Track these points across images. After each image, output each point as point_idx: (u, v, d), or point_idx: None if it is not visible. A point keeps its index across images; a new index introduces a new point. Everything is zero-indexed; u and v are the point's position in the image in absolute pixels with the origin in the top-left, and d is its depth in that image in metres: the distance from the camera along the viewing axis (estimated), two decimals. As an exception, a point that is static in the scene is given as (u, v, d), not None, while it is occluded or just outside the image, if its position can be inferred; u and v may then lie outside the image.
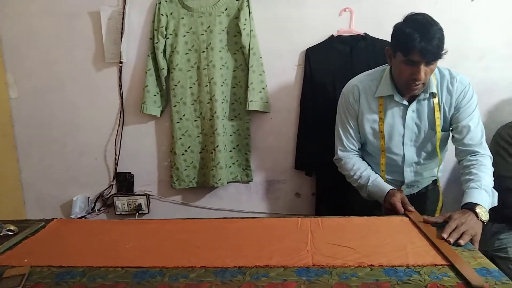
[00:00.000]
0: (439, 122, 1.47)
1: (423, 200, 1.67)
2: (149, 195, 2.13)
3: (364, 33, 1.92)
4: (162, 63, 1.94)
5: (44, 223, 1.39)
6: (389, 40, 1.88)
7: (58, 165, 2.17)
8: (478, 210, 1.20)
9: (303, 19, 1.93)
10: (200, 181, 2.05)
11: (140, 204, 2.11)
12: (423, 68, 1.30)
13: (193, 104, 1.98)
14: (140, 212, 2.11)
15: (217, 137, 1.93)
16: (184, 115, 1.98)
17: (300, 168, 2.03)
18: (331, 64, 1.91)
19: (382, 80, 1.49)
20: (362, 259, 1.02)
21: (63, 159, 2.16)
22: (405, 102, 1.47)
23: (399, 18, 1.88)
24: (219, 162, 1.94)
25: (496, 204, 1.33)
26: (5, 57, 2.07)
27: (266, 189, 2.11)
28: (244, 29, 1.88)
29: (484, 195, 1.28)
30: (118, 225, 1.39)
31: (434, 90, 1.43)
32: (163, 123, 2.07)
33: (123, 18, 1.94)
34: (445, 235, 1.10)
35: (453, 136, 1.50)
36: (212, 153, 1.95)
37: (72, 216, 2.13)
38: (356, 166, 1.57)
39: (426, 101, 1.47)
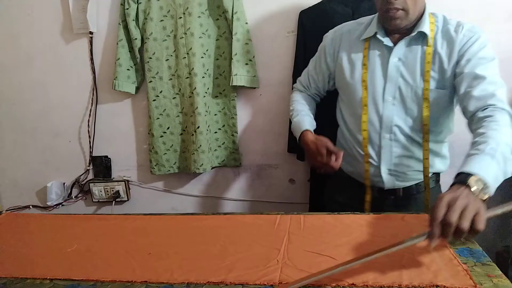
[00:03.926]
0: (429, 76, 1.15)
1: (418, 204, 1.27)
2: (128, 181, 1.94)
3: (368, -8, 1.63)
4: (135, 32, 1.69)
5: None
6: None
7: (32, 148, 2.00)
8: (472, 183, 0.81)
9: (295, -24, 1.64)
10: (182, 166, 1.83)
11: (118, 191, 1.92)
12: None
13: (171, 79, 1.74)
14: (118, 199, 1.93)
15: (198, 117, 1.70)
16: (161, 91, 1.74)
17: (294, 151, 1.78)
18: (329, 29, 1.63)
19: (371, 22, 1.23)
20: (343, 275, 0.80)
21: (36, 141, 1.98)
22: (389, 43, 1.18)
23: None
24: (200, 145, 1.71)
25: (510, 175, 0.91)
26: (-34, 29, 1.87)
27: (256, 174, 1.87)
28: (225, -11, 1.61)
29: (486, 160, 0.87)
30: (73, 222, 1.23)
31: (424, 30, 1.14)
32: (140, 101, 1.84)
33: (89, -19, 1.70)
34: (430, 241, 0.77)
35: (458, 93, 1.12)
36: (193, 135, 1.72)
37: (48, 203, 1.98)
38: (295, 99, 1.41)
39: (418, 49, 1.16)
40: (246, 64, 1.68)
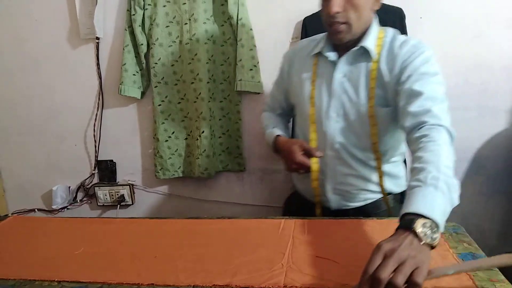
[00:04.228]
0: (373, 93, 1.11)
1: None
2: (132, 185, 1.95)
3: (372, -2, 1.65)
4: (141, 38, 1.72)
5: None
6: (401, 7, 1.64)
7: (38, 151, 2.02)
8: (418, 227, 0.70)
9: (299, -17, 1.67)
10: (186, 170, 1.85)
11: (123, 195, 1.93)
12: None
13: (176, 84, 1.76)
14: (123, 203, 1.94)
15: (203, 122, 1.71)
16: (166, 96, 1.77)
17: (298, 155, 1.79)
18: (333, 36, 1.65)
19: (324, 38, 1.20)
20: (346, 279, 0.81)
21: (42, 145, 2.01)
22: (333, 57, 1.16)
23: None
24: (205, 150, 1.73)
25: (457, 202, 0.82)
26: (-25, 34, 1.90)
27: (260, 179, 1.89)
28: (231, -4, 1.63)
29: (430, 194, 0.77)
30: (77, 225, 1.24)
31: (367, 44, 1.11)
32: (145, 105, 1.87)
33: (97, -12, 1.73)
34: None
35: (397, 110, 1.07)
36: (197, 139, 1.74)
37: (54, 207, 2.00)
38: (265, 117, 1.42)
39: (363, 65, 1.13)
40: (251, 69, 1.70)
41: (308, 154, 1.14)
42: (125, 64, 1.75)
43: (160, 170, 1.84)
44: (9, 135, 2.02)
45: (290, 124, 1.51)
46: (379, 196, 1.24)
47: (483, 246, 0.92)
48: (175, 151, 1.82)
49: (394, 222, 1.06)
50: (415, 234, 0.70)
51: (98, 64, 1.85)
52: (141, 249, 1.02)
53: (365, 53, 1.13)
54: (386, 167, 1.21)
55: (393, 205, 1.25)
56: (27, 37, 1.88)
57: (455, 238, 0.95)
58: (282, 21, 1.70)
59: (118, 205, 1.93)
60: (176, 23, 1.70)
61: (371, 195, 1.23)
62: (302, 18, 1.67)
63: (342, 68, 1.15)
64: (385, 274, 0.64)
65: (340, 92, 1.15)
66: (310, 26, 1.67)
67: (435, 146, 0.89)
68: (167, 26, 1.71)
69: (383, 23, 1.63)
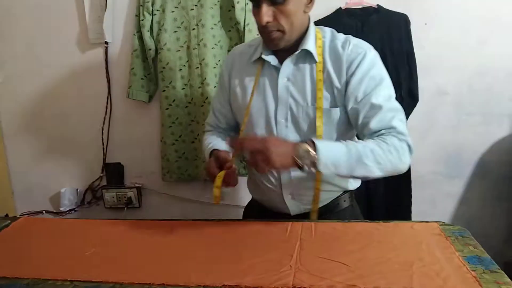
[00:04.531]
0: (321, 94, 1.10)
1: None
2: (140, 187, 1.98)
3: (377, 4, 1.68)
4: (149, 43, 1.75)
5: (9, 221, 1.29)
6: (406, 13, 1.66)
7: (46, 154, 2.05)
8: (302, 147, 0.93)
9: (305, -11, 1.69)
10: (193, 173, 1.87)
11: (130, 197, 1.96)
12: (265, 7, 1.02)
13: (184, 88, 1.79)
14: (130, 206, 1.96)
15: (210, 125, 1.74)
16: (174, 100, 1.79)
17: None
18: (339, 41, 1.68)
19: (261, 44, 1.16)
20: (355, 280, 0.82)
21: (51, 148, 2.04)
22: (275, 62, 1.13)
23: None
24: (211, 153, 1.75)
25: (356, 174, 1.00)
26: (-14, 38, 1.93)
27: (266, 182, 1.91)
28: (238, 2, 1.66)
29: (338, 147, 0.98)
30: (87, 226, 1.26)
31: (308, 47, 1.09)
32: (153, 109, 1.89)
33: (106, -7, 1.76)
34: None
35: (355, 120, 1.11)
36: (204, 143, 1.77)
37: (61, 209, 2.02)
38: (204, 138, 1.31)
39: (306, 67, 1.12)
40: (257, 74, 1.72)
41: (222, 165, 1.09)
42: (133, 68, 1.78)
43: (167, 173, 1.86)
44: (18, 137, 2.05)
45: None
46: (335, 195, 1.24)
47: (487, 250, 0.94)
48: (182, 154, 1.85)
49: (400, 225, 1.09)
50: (297, 149, 0.93)
51: (106, 68, 1.88)
52: (151, 250, 1.04)
53: (307, 55, 1.12)
54: None
55: (350, 203, 1.27)
56: (37, 42, 1.92)
57: (461, 241, 0.96)
58: (289, 27, 1.72)
59: (126, 208, 1.95)
60: (184, 29, 1.73)
61: (327, 195, 1.22)
62: (308, 24, 1.70)
63: (285, 72, 1.13)
64: (249, 146, 0.93)
65: (286, 96, 1.14)
66: (316, 31, 1.70)
67: (379, 140, 1.02)
68: (175, 31, 1.74)
69: (388, 29, 1.67)
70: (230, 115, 1.28)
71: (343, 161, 0.97)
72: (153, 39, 1.76)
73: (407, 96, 1.71)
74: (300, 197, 1.20)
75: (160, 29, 1.73)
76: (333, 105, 1.12)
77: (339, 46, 1.11)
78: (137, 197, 1.97)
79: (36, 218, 1.38)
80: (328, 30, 1.17)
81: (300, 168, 0.95)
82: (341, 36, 1.14)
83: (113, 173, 1.97)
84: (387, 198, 1.79)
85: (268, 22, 1.04)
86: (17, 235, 1.19)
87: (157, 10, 1.72)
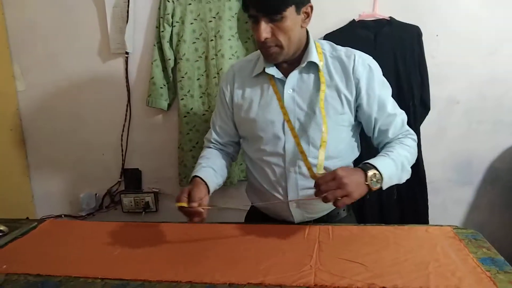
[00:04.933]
0: (323, 96, 1.14)
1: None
2: (157, 192, 2.03)
3: (390, 17, 1.73)
4: (169, 53, 1.81)
5: (36, 223, 1.34)
6: (419, 25, 1.71)
7: (66, 160, 2.11)
8: (370, 172, 1.00)
9: (320, 2, 1.72)
10: (209, 179, 1.92)
11: (148, 202, 2.01)
12: (263, 24, 1.06)
13: (201, 97, 1.85)
14: (147, 210, 2.02)
15: (226, 133, 1.80)
16: (191, 108, 1.85)
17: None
18: (353, 52, 1.73)
19: (259, 58, 1.21)
20: (374, 280, 0.87)
21: (70, 154, 2.10)
22: (280, 75, 1.17)
23: (429, 0, 1.72)
24: (228, 159, 1.81)
25: (403, 181, 1.12)
26: (11, 49, 2.01)
27: (280, 188, 1.95)
28: (254, 14, 1.72)
29: (388, 162, 1.07)
30: (111, 228, 1.30)
31: (313, 59, 1.14)
32: (171, 117, 1.95)
33: (128, 5, 1.83)
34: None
35: (372, 129, 1.20)
36: (221, 149, 1.82)
37: (80, 213, 2.08)
38: (201, 155, 1.31)
39: (310, 77, 1.16)
40: (273, 83, 1.78)
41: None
42: (153, 77, 1.84)
43: (184, 178, 1.91)
44: (40, 144, 2.12)
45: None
46: None
47: (502, 253, 0.97)
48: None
49: (414, 229, 1.12)
50: (365, 175, 1.00)
51: (126, 77, 1.95)
52: (175, 251, 1.08)
53: (311, 66, 1.16)
54: None
55: (348, 212, 1.33)
56: (59, 52, 1.99)
57: (475, 244, 1.00)
58: (304, 38, 1.78)
59: (143, 212, 2.00)
60: (202, 40, 1.80)
61: (330, 205, 1.22)
62: (323, 35, 1.76)
63: (291, 83, 1.17)
64: (325, 188, 0.96)
65: (293, 107, 1.17)
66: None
67: (403, 145, 1.15)
68: (193, 42, 1.81)
69: (401, 40, 1.71)
70: (231, 130, 1.31)
71: (395, 174, 1.08)
72: (173, 49, 1.83)
73: (419, 105, 1.76)
74: (305, 206, 1.22)
75: (179, 40, 1.80)
76: (341, 112, 1.17)
77: (344, 56, 1.17)
78: (154, 201, 2.02)
79: (62, 221, 1.44)
80: (325, 43, 1.22)
81: (369, 191, 1.02)
82: (340, 47, 1.20)
83: (131, 178, 2.03)
84: (402, 205, 1.82)
85: (266, 38, 1.08)
86: (45, 236, 1.23)
87: (176, 22, 1.79)
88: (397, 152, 1.11)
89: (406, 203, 1.82)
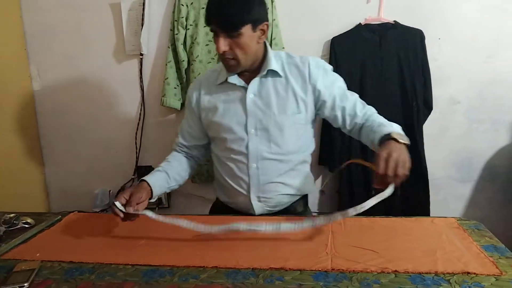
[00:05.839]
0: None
1: None
2: (169, 189, 2.10)
3: (394, 21, 1.81)
4: (183, 55, 1.89)
5: (60, 216, 1.39)
6: (421, 29, 1.80)
7: (81, 157, 2.18)
8: (395, 136, 1.10)
9: (328, 6, 1.84)
10: (220, 176, 2.00)
11: (160, 198, 2.08)
12: (222, 39, 1.17)
13: (214, 97, 1.92)
14: (160, 206, 2.09)
15: (238, 131, 1.87)
16: (204, 108, 1.93)
17: (325, 163, 1.94)
18: (359, 54, 1.81)
19: (223, 68, 1.31)
20: (386, 264, 0.94)
21: (85, 151, 2.17)
22: (242, 83, 1.29)
23: (432, 5, 1.80)
24: (239, 157, 1.88)
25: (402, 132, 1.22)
26: (28, 49, 2.08)
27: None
28: (265, 18, 1.80)
29: (391, 126, 1.20)
30: (134, 221, 1.36)
31: (273, 67, 1.26)
32: (183, 116, 2.01)
33: (143, 9, 1.90)
34: (376, 184, 1.06)
35: (335, 119, 1.32)
36: (232, 147, 1.89)
37: (94, 209, 2.14)
38: (167, 157, 1.43)
39: (269, 82, 1.28)
40: (282, 84, 1.86)
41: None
42: (167, 78, 1.92)
43: (196, 175, 1.99)
44: (55, 142, 2.19)
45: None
46: (294, 199, 1.39)
47: (504, 242, 1.05)
48: (210, 158, 1.96)
49: (421, 220, 1.20)
50: (396, 141, 1.08)
51: (141, 78, 2.02)
52: (198, 239, 1.13)
53: (269, 73, 1.28)
54: (301, 169, 1.37)
55: (304, 207, 1.44)
56: (76, 54, 2.07)
57: (477, 233, 1.08)
58: (312, 41, 1.87)
59: (156, 208, 2.07)
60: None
61: (287, 199, 1.37)
62: (330, 38, 1.84)
63: (252, 89, 1.28)
64: (391, 172, 1.00)
65: (254, 109, 1.28)
66: (337, 45, 1.84)
67: (378, 116, 1.28)
68: (206, 45, 1.88)
69: (405, 43, 1.80)
70: (196, 134, 1.42)
71: (398, 127, 1.21)
72: (186, 51, 1.90)
73: (422, 105, 1.84)
74: (265, 200, 1.34)
75: (193, 43, 1.88)
76: (297, 111, 1.29)
77: (299, 62, 1.29)
78: (166, 198, 2.09)
79: (85, 214, 1.48)
80: (283, 53, 1.34)
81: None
82: (295, 55, 1.32)
83: (145, 175, 2.08)
84: (405, 201, 1.89)
85: (224, 51, 1.18)
86: (71, 227, 1.29)
87: (190, 25, 1.87)
88: (383, 119, 1.25)
89: (409, 199, 1.89)
